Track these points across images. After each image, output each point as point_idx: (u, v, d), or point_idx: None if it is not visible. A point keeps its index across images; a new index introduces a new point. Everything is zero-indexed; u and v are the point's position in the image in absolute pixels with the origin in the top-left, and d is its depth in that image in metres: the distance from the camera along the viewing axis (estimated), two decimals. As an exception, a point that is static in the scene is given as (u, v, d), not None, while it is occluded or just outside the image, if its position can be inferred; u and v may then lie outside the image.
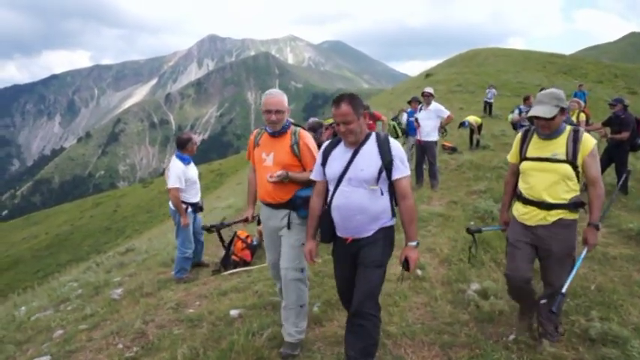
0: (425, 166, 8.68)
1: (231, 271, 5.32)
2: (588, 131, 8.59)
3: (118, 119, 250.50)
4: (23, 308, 5.94)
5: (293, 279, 3.12)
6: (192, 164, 5.47)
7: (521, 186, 2.99)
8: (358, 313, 2.58)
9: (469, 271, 4.34)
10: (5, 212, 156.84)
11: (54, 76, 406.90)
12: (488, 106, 19.24)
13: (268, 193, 3.22)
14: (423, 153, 8.41)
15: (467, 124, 13.22)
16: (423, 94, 8.40)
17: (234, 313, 3.87)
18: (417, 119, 8.40)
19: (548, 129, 2.83)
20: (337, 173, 2.67)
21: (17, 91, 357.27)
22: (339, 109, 2.57)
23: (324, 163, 2.80)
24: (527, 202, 2.93)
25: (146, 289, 5.12)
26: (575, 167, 2.78)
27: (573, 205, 2.84)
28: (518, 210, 3.01)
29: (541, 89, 14.02)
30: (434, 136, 8.28)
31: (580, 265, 2.90)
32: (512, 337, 3.13)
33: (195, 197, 5.44)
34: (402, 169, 2.64)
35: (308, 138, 3.25)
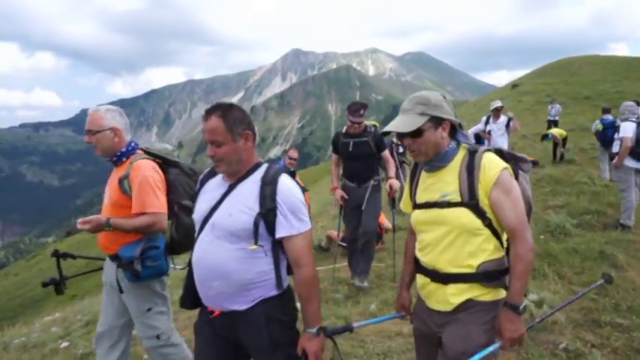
0: None
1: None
2: None
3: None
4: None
5: (152, 346, 2.63)
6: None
7: (416, 245, 2.02)
8: None
9: (530, 282, 4.36)
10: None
11: (153, 91, 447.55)
12: (553, 125, 15.87)
13: (98, 237, 2.60)
14: None
15: (550, 136, 12.67)
16: (497, 109, 8.38)
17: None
18: (489, 132, 8.34)
19: (419, 153, 1.87)
20: (201, 214, 1.95)
21: (123, 104, 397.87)
22: (206, 122, 1.85)
23: (195, 198, 2.09)
24: (420, 269, 1.96)
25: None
26: (479, 211, 1.76)
27: (486, 276, 1.77)
28: (417, 281, 2.02)
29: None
30: (504, 147, 8.20)
31: None
32: (562, 345, 3.18)
33: None
34: (292, 224, 1.85)
35: (143, 170, 2.50)
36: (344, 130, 4.88)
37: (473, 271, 1.77)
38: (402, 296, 2.17)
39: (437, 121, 1.81)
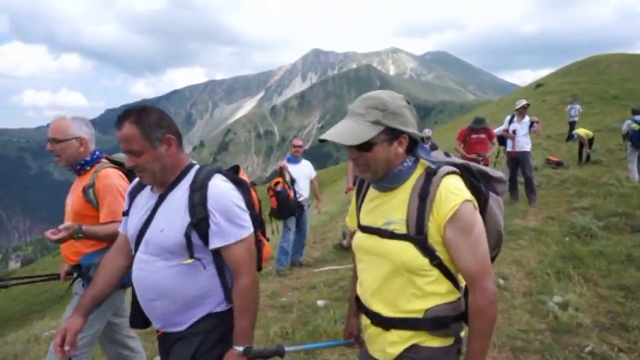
0: (520, 179, 8.45)
1: (320, 269, 5.80)
2: None
3: (228, 130, 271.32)
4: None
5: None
6: (300, 164, 6.19)
7: (357, 275, 1.69)
8: None
9: (554, 284, 4.30)
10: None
11: (175, 91, 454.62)
12: (573, 127, 15.49)
13: (62, 249, 2.53)
14: (517, 165, 8.17)
15: (576, 136, 12.41)
16: (524, 107, 8.24)
17: (320, 303, 4.33)
18: (514, 131, 8.20)
19: (365, 169, 1.50)
20: (134, 230, 1.79)
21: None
22: (120, 131, 1.66)
23: (127, 212, 1.90)
24: (360, 307, 1.63)
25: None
26: (427, 249, 1.42)
27: (434, 324, 1.44)
28: (360, 320, 1.69)
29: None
30: (528, 147, 8.14)
31: None
32: (588, 348, 3.13)
33: (300, 195, 5.96)
34: (227, 232, 1.68)
35: (112, 178, 2.44)
36: None
37: (419, 316, 1.44)
38: (350, 323, 1.85)
39: (393, 134, 1.43)
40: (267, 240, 2.07)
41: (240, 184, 1.81)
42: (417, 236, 1.41)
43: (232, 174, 1.84)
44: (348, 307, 1.88)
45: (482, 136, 7.92)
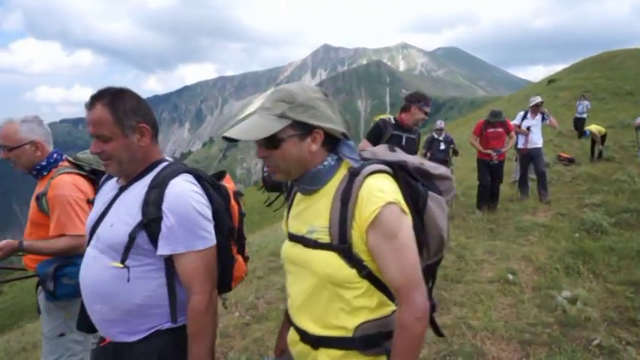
0: (531, 176, 8.42)
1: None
2: None
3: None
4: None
5: None
6: None
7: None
8: None
9: (563, 280, 4.32)
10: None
11: (185, 87, 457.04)
12: (580, 124, 15.30)
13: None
14: (529, 162, 8.10)
15: (588, 133, 12.31)
16: (537, 105, 8.14)
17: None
18: (528, 127, 8.15)
19: (276, 170, 1.35)
20: (89, 223, 1.65)
21: (156, 100, 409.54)
22: (90, 112, 1.53)
23: (93, 200, 1.78)
24: (290, 321, 1.46)
25: (258, 273, 5.90)
26: (353, 258, 1.27)
27: (364, 342, 1.30)
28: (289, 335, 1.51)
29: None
30: (540, 143, 8.07)
31: None
32: (596, 342, 3.16)
33: None
34: (179, 240, 1.48)
35: (62, 188, 2.22)
36: (392, 121, 4.15)
37: (348, 335, 1.29)
38: (282, 338, 1.62)
39: (304, 129, 1.28)
40: (247, 258, 1.88)
41: (217, 189, 1.64)
42: (341, 245, 1.25)
43: (209, 176, 1.66)
44: (282, 320, 1.66)
45: (500, 130, 7.57)
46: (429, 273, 1.46)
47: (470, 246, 5.73)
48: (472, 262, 5.10)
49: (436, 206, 1.37)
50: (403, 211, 1.25)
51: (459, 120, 49.71)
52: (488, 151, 7.45)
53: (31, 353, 4.73)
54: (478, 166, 7.72)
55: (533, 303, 3.93)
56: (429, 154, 8.41)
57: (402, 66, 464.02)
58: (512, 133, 7.73)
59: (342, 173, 1.33)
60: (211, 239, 1.54)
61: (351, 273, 1.26)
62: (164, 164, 1.61)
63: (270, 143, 1.28)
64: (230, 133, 1.29)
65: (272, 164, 1.33)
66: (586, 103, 16.07)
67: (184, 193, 1.50)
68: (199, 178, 1.59)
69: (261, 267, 6.24)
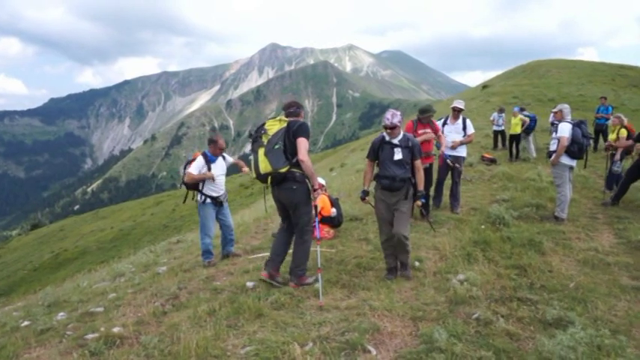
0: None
1: (255, 255, 6.08)
2: (616, 148, 8.50)
3: (182, 123, 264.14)
4: (86, 282, 7.04)
5: None
6: (217, 162, 6.13)
7: None
8: None
9: (460, 265, 4.81)
10: (77, 207, 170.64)
11: (126, 82, 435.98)
12: (500, 136, 15.25)
13: None
14: (446, 170, 7.66)
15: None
16: (454, 109, 7.78)
17: (250, 284, 4.64)
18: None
19: None
20: None
21: (93, 95, 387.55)
22: None
23: None
24: None
25: (185, 266, 6.01)
26: None
27: None
28: None
29: (601, 97, 14.36)
30: (462, 152, 7.73)
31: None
32: (475, 315, 3.61)
33: (215, 192, 6.07)
34: None
35: None
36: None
37: None
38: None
39: None
40: None
41: None
42: None
43: None
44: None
45: (428, 130, 7.09)
46: None
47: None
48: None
49: None
50: None
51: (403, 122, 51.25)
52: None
53: None
54: None
55: (432, 286, 4.38)
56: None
57: (348, 67, 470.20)
58: (440, 133, 7.28)
59: None
60: None
61: None
62: None
63: None
64: None
65: None
66: (503, 115, 15.61)
67: None
68: None
69: (189, 262, 6.35)
